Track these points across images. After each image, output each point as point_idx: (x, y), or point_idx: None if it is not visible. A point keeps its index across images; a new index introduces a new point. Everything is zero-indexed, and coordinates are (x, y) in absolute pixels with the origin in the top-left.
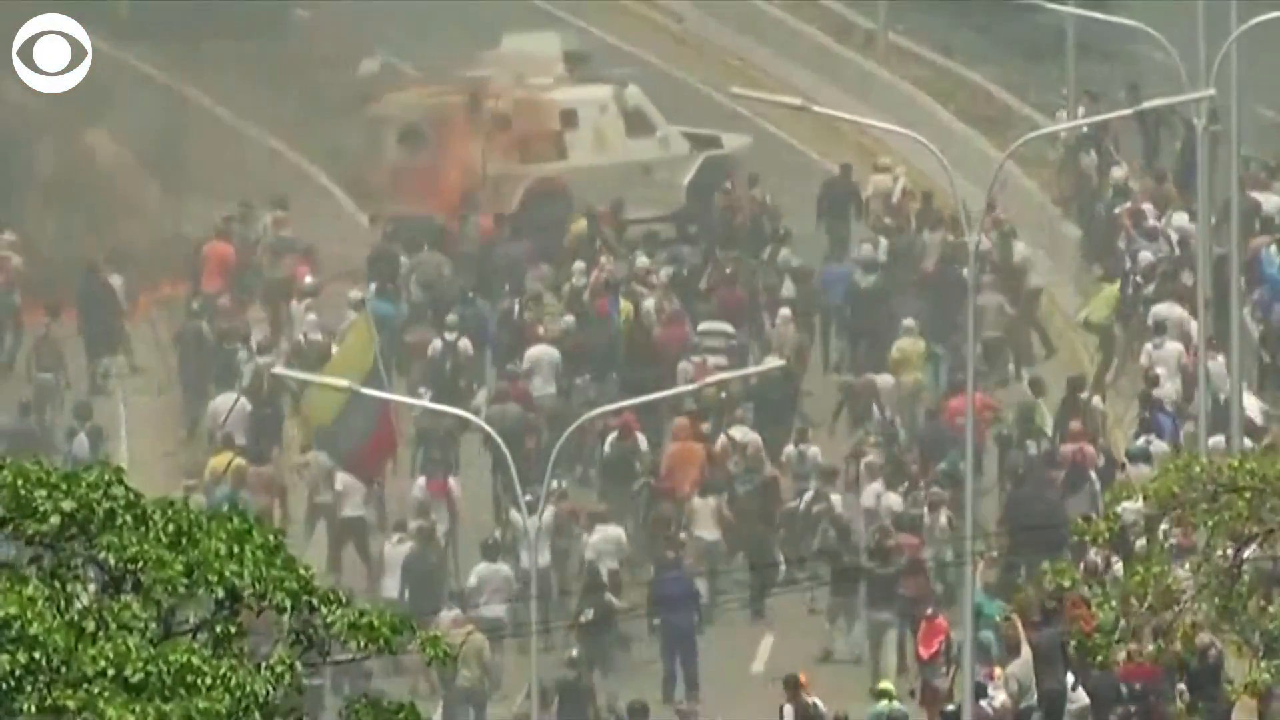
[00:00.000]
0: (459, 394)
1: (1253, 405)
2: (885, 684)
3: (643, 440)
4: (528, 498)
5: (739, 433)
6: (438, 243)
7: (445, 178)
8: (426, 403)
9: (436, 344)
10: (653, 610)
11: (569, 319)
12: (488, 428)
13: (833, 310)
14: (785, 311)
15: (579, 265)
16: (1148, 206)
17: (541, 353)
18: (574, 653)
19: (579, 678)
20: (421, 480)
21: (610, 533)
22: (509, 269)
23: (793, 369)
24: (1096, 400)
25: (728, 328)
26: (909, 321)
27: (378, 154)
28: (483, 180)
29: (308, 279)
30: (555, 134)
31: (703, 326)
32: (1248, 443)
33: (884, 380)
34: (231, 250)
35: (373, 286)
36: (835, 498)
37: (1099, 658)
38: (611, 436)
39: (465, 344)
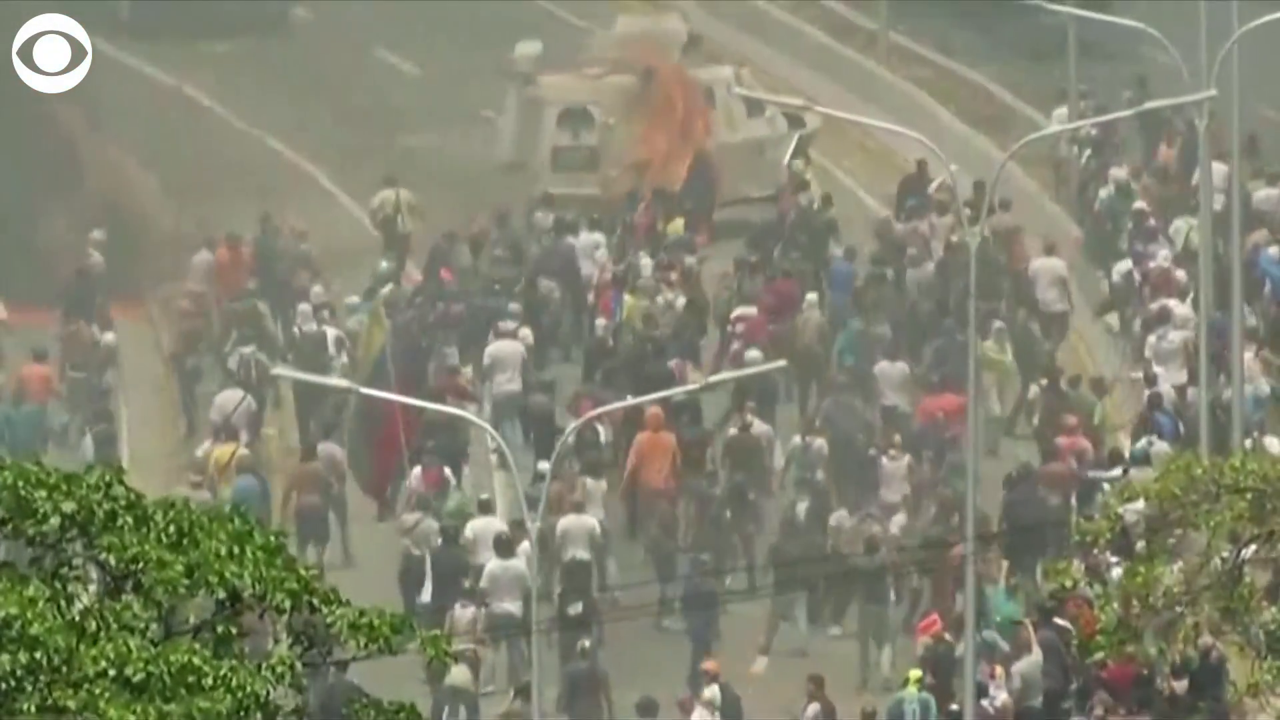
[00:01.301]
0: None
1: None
2: (914, 672)
3: (602, 431)
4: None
5: (754, 422)
6: (599, 224)
7: (614, 158)
8: (418, 400)
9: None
10: (671, 608)
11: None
12: (486, 425)
13: (835, 307)
14: (812, 296)
15: (598, 255)
16: (1149, 206)
17: (502, 348)
18: (585, 643)
19: (591, 668)
20: (417, 470)
21: (584, 521)
22: (563, 258)
23: (819, 358)
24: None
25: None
26: (998, 324)
27: (535, 135)
28: (652, 160)
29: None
30: (705, 113)
31: (736, 313)
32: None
33: (882, 368)
34: (243, 254)
35: (388, 288)
36: (802, 505)
37: (1099, 656)
38: (571, 425)
39: (526, 333)
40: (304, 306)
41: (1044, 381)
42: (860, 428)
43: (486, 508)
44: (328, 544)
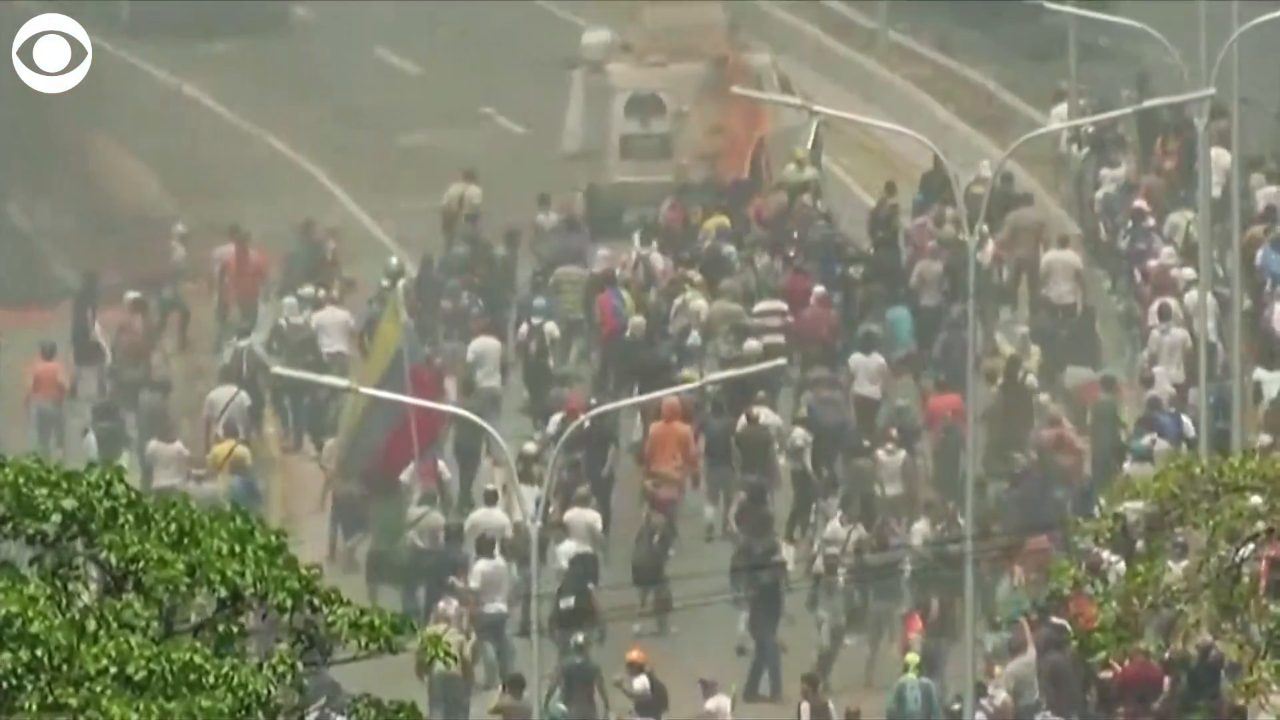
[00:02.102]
0: (547, 376)
1: None
2: (912, 657)
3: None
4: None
5: (762, 414)
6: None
7: (686, 145)
8: (421, 401)
9: (524, 329)
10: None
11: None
12: (483, 423)
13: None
14: (820, 290)
15: (602, 253)
16: (1147, 205)
17: (485, 345)
18: (580, 638)
19: (585, 661)
20: (411, 465)
21: (585, 515)
22: (575, 253)
23: (831, 349)
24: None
25: (782, 306)
26: (1022, 329)
27: (603, 124)
28: (725, 148)
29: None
30: (756, 100)
31: (759, 306)
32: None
33: (856, 359)
34: (251, 254)
35: (400, 283)
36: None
37: (1099, 655)
38: (556, 418)
39: (551, 327)
40: (289, 300)
41: (1000, 380)
42: (847, 420)
43: (493, 499)
44: (368, 532)
